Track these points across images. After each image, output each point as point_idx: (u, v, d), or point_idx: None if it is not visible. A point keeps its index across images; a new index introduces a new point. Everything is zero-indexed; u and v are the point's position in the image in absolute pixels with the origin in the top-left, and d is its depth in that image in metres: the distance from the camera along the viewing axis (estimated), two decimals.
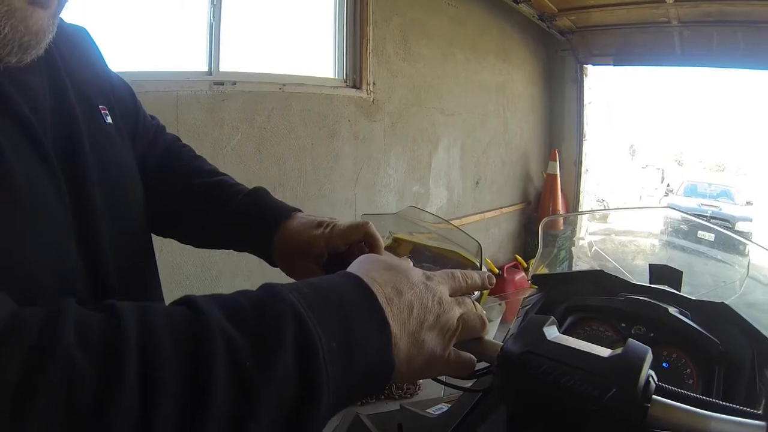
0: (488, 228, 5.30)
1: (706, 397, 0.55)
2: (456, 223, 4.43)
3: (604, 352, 0.51)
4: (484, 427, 0.74)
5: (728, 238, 1.29)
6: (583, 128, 6.22)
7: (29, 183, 0.49)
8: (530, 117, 6.02)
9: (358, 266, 0.53)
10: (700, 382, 0.77)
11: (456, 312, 0.53)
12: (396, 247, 0.85)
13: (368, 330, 0.45)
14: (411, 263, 0.57)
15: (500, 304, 3.96)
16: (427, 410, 0.96)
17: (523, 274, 4.99)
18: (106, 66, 0.76)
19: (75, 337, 0.33)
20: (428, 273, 0.55)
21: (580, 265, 1.35)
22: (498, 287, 4.61)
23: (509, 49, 5.41)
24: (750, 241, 1.32)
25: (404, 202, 4.00)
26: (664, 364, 0.79)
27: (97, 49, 0.75)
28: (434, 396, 1.09)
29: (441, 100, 4.37)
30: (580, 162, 6.29)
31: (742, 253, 1.24)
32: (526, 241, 5.94)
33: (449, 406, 0.95)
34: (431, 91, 4.25)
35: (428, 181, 4.34)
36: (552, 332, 0.55)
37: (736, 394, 0.74)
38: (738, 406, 0.53)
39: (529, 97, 5.97)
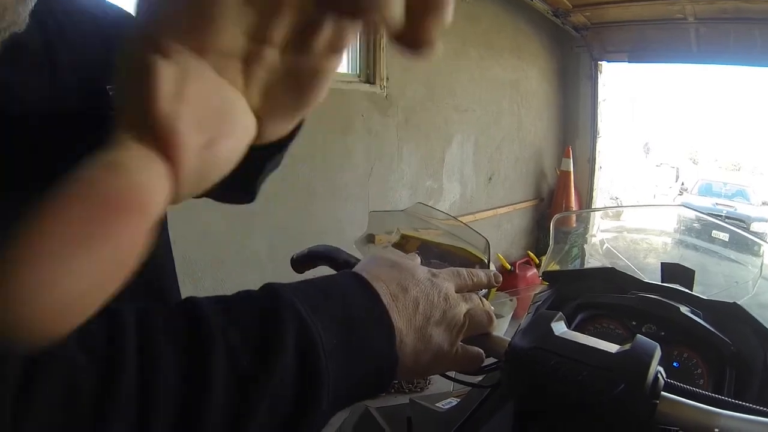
0: (501, 224, 5.28)
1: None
2: (469, 218, 4.42)
3: (612, 347, 0.51)
4: (492, 422, 0.74)
5: (742, 238, 1.28)
6: (597, 125, 6.16)
7: (20, 181, 0.47)
8: (544, 114, 5.97)
9: (362, 266, 0.53)
10: (710, 382, 0.76)
11: (462, 308, 0.53)
12: (404, 243, 0.85)
13: (370, 326, 0.45)
14: (418, 260, 0.57)
15: (511, 300, 3.96)
16: (437, 404, 0.97)
17: (535, 270, 4.96)
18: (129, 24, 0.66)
19: (76, 341, 0.33)
20: (434, 270, 0.55)
21: (592, 262, 1.35)
22: (510, 283, 4.60)
23: (523, 45, 5.37)
24: (764, 241, 1.31)
25: (417, 197, 3.98)
26: (674, 364, 0.79)
27: (117, 10, 0.66)
28: (444, 390, 1.10)
29: (455, 96, 4.35)
30: (594, 159, 6.23)
31: (756, 254, 1.23)
32: (538, 238, 5.90)
33: (458, 400, 0.95)
34: (445, 87, 4.22)
35: (441, 176, 4.32)
36: (560, 328, 0.55)
37: (747, 394, 0.74)
38: (747, 404, 0.53)
39: (543, 93, 5.92)
